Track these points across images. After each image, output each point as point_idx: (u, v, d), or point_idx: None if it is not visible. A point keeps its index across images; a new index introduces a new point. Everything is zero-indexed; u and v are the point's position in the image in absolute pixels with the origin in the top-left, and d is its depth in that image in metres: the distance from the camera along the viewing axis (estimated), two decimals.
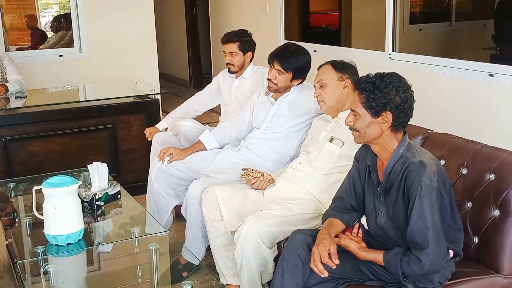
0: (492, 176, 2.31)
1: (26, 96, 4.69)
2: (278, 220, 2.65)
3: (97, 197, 2.93)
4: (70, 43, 5.92)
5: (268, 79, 3.22)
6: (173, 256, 3.00)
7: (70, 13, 5.83)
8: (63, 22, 6.28)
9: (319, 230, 2.28)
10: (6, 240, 3.04)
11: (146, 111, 4.51)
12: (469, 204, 2.37)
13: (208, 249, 3.12)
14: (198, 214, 3.09)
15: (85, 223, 2.64)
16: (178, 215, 3.69)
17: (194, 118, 3.91)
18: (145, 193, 3.50)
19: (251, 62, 3.76)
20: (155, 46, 6.14)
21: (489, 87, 3.60)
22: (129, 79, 5.46)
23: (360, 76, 2.25)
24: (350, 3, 6.42)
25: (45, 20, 7.01)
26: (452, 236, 2.17)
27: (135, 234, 2.71)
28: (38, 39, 6.63)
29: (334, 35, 6.49)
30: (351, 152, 2.50)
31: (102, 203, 2.97)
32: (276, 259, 2.59)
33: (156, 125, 3.98)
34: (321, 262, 2.11)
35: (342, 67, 2.86)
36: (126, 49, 5.94)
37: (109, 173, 3.08)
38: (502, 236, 2.23)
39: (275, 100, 3.28)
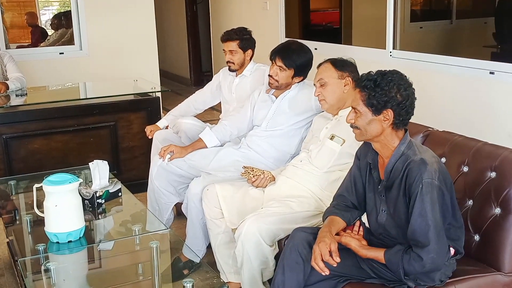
0: (493, 174, 2.31)
1: (26, 93, 4.69)
2: (279, 218, 2.65)
3: (97, 194, 2.93)
4: (70, 41, 5.92)
5: (269, 75, 3.21)
6: (174, 254, 3.00)
7: (70, 10, 5.82)
8: (63, 20, 6.28)
9: (320, 228, 2.28)
10: (7, 237, 3.04)
11: (146, 109, 4.51)
12: (470, 202, 2.37)
13: (209, 247, 3.12)
14: (199, 212, 3.09)
15: (86, 220, 2.64)
16: (178, 213, 3.69)
17: (194, 116, 3.91)
18: (146, 191, 3.50)
19: (251, 60, 3.76)
20: (155, 44, 6.14)
21: (490, 85, 3.59)
22: (130, 76, 5.46)
23: (360, 73, 2.25)
24: (350, 1, 6.42)
25: (45, 18, 7.00)
26: (453, 234, 2.17)
27: (136, 232, 2.71)
28: (38, 37, 6.63)
29: (335, 33, 6.49)
30: (352, 150, 2.50)
31: (103, 201, 2.96)
32: (276, 257, 2.60)
33: (156, 123, 3.97)
34: (322, 260, 2.11)
35: (342, 65, 2.85)
36: (127, 47, 5.94)
37: (110, 170, 3.08)
38: (503, 234, 2.23)
39: (276, 97, 3.28)
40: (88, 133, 4.34)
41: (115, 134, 4.42)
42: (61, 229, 2.50)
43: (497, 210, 2.27)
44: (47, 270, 2.40)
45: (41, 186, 2.50)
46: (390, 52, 4.48)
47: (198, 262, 3.10)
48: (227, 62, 3.74)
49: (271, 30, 6.11)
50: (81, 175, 3.25)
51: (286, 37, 5.94)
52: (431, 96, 3.92)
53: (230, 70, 3.79)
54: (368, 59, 4.32)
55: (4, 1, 6.11)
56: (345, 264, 2.18)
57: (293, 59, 3.14)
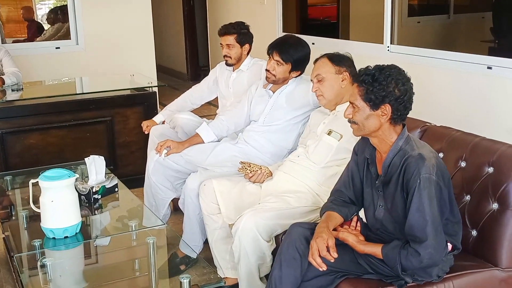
0: (491, 169, 2.31)
1: (22, 88, 4.68)
2: (276, 213, 2.65)
3: (94, 190, 2.92)
4: (66, 35, 5.90)
5: (266, 70, 3.20)
6: (171, 249, 2.99)
7: (66, 5, 5.80)
8: (59, 14, 6.25)
9: (317, 223, 2.27)
10: (3, 233, 3.02)
11: (143, 103, 4.50)
12: (468, 197, 2.37)
13: (206, 242, 3.11)
14: (196, 207, 3.09)
15: (82, 216, 2.63)
16: (175, 208, 3.68)
17: (191, 111, 3.90)
18: (143, 186, 3.49)
19: (249, 55, 3.74)
20: (152, 39, 6.12)
21: (488, 80, 3.59)
22: (126, 71, 5.44)
23: (358, 68, 2.24)
24: None
25: (41, 12, 6.97)
26: (451, 229, 2.17)
27: (132, 228, 2.70)
28: (34, 31, 6.60)
29: (332, 28, 6.47)
30: (350, 145, 2.49)
31: (99, 196, 2.96)
32: (274, 252, 2.59)
33: (153, 118, 3.96)
34: (319, 255, 2.10)
35: (339, 60, 2.84)
36: (123, 41, 5.92)
37: (106, 166, 3.07)
38: (501, 229, 2.23)
39: (273, 92, 3.27)
40: (85, 128, 4.32)
41: (112, 129, 4.41)
42: (57, 225, 2.49)
43: (495, 206, 2.26)
44: (43, 266, 2.39)
45: (37, 181, 2.50)
46: (388, 46, 4.47)
47: (195, 257, 3.09)
48: (224, 56, 3.72)
49: (269, 25, 6.09)
50: (77, 170, 3.25)
51: (283, 31, 5.92)
52: (429, 91, 3.92)
53: (227, 64, 3.78)
54: (366, 54, 4.32)
55: None
56: (343, 260, 2.18)
57: (290, 53, 3.13)
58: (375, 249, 2.13)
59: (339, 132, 2.76)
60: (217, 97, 3.98)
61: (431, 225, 1.99)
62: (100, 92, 4.58)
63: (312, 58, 3.06)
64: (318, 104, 2.98)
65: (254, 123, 3.32)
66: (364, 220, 2.35)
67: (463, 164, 2.42)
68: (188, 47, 9.23)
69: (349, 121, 2.18)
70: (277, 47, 3.16)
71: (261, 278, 2.69)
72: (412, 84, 2.11)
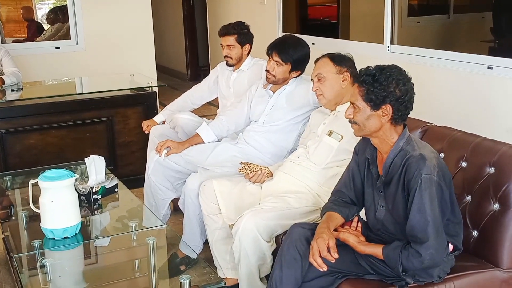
0: (492, 170, 2.30)
1: (22, 88, 4.68)
2: (277, 213, 2.64)
3: (94, 190, 2.92)
4: (66, 35, 5.89)
5: (266, 70, 3.20)
6: (171, 249, 2.98)
7: (66, 5, 5.79)
8: (59, 14, 6.25)
9: (318, 223, 2.27)
10: (2, 233, 3.02)
11: (143, 104, 4.49)
12: (469, 198, 2.36)
13: (206, 242, 3.11)
14: (196, 207, 3.08)
15: (82, 216, 2.63)
16: (175, 209, 3.67)
17: (191, 111, 3.89)
18: (143, 186, 3.48)
19: (249, 55, 3.74)
20: (152, 39, 6.11)
21: (488, 80, 3.58)
22: (126, 71, 5.44)
23: (358, 69, 2.23)
24: None
25: (41, 12, 6.97)
26: (452, 230, 2.16)
27: (132, 228, 2.70)
28: (34, 31, 6.60)
29: (332, 28, 6.46)
30: (350, 146, 2.49)
31: (99, 197, 2.95)
32: (274, 253, 2.59)
33: (153, 118, 3.96)
34: (320, 256, 2.10)
35: (340, 60, 2.84)
36: (123, 41, 5.91)
37: (106, 166, 3.06)
38: (502, 229, 2.22)
39: (273, 93, 3.27)
40: (84, 128, 4.32)
41: (112, 129, 4.40)
42: (57, 225, 2.48)
43: (496, 206, 2.26)
44: (42, 266, 2.38)
45: (37, 181, 2.49)
46: (388, 46, 4.46)
47: (195, 258, 3.08)
48: (225, 56, 3.72)
49: (269, 25, 6.09)
50: (77, 170, 3.24)
51: (283, 31, 5.92)
52: (429, 91, 3.91)
53: (227, 64, 3.77)
54: (366, 54, 4.31)
55: None
56: (343, 260, 2.17)
57: (290, 53, 3.12)
58: (376, 250, 2.13)
59: (339, 133, 2.75)
60: (217, 97, 3.98)
61: (432, 225, 1.99)
62: (100, 92, 4.58)
63: (312, 58, 3.05)
64: (318, 104, 2.97)
65: (254, 123, 3.32)
66: (365, 220, 2.34)
67: (464, 164, 2.41)
68: (188, 47, 9.23)
69: (350, 121, 2.18)
70: (276, 48, 3.15)
71: (261, 279, 2.68)
72: (413, 84, 2.11)
